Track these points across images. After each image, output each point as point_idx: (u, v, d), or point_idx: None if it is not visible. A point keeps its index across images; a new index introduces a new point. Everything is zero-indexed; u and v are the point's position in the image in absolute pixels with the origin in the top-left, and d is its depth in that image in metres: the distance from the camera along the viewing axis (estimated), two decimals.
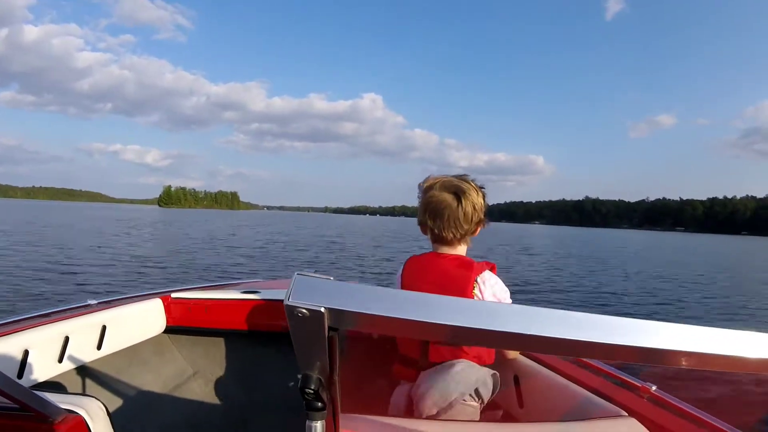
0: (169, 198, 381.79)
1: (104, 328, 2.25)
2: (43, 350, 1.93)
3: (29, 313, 2.14)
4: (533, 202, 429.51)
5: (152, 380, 2.49)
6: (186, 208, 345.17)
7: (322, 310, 0.51)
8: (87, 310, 2.30)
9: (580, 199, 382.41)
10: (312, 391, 0.65)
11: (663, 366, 0.51)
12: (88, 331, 2.19)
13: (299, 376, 0.64)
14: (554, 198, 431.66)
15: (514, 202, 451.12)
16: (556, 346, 0.50)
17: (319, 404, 0.67)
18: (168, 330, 2.70)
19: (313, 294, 0.52)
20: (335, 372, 0.65)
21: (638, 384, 1.60)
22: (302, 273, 0.54)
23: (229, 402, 2.62)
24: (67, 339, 2.04)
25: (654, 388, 1.56)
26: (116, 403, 2.23)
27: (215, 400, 2.59)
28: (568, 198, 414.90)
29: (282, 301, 2.61)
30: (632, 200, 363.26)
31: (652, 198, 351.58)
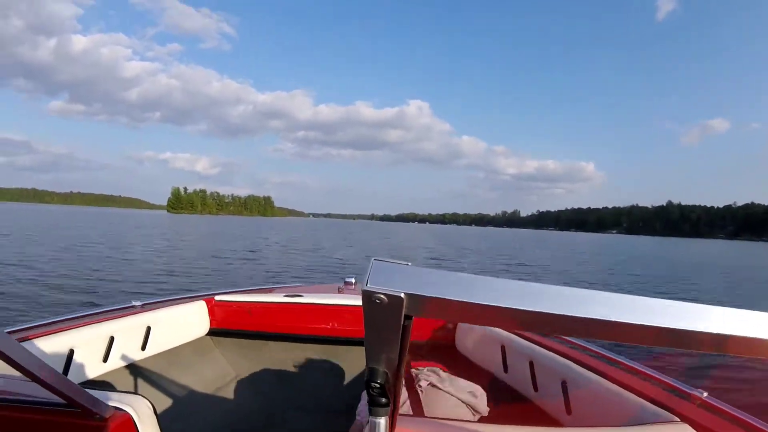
0: (179, 202, 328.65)
1: (149, 329, 2.47)
2: (89, 349, 2.11)
3: (75, 313, 2.32)
4: (609, 207, 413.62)
5: (195, 381, 2.69)
6: (203, 213, 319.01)
7: (402, 295, 0.52)
8: (132, 311, 2.50)
9: (662, 204, 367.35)
10: (379, 386, 0.68)
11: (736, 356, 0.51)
12: (133, 331, 2.40)
13: (365, 372, 0.68)
14: (608, 204, 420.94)
15: (582, 209, 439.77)
16: (649, 334, 0.50)
17: (384, 399, 0.70)
18: (211, 332, 2.94)
19: (393, 279, 0.53)
20: (402, 365, 0.67)
21: (689, 391, 1.65)
22: (380, 258, 0.56)
23: (270, 404, 2.82)
24: (112, 339, 2.24)
25: (705, 394, 1.61)
26: (161, 402, 2.40)
27: (256, 403, 2.78)
28: (620, 205, 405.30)
29: (325, 304, 2.89)
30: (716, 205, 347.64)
31: (740, 202, 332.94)
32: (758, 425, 1.46)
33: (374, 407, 0.71)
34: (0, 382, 1.38)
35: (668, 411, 1.52)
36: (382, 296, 0.53)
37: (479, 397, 1.95)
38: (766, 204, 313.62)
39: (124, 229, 44.56)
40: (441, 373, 2.05)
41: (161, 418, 1.35)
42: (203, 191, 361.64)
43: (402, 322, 0.57)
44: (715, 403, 1.58)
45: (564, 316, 0.50)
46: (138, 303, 2.63)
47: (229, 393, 2.82)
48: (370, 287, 0.52)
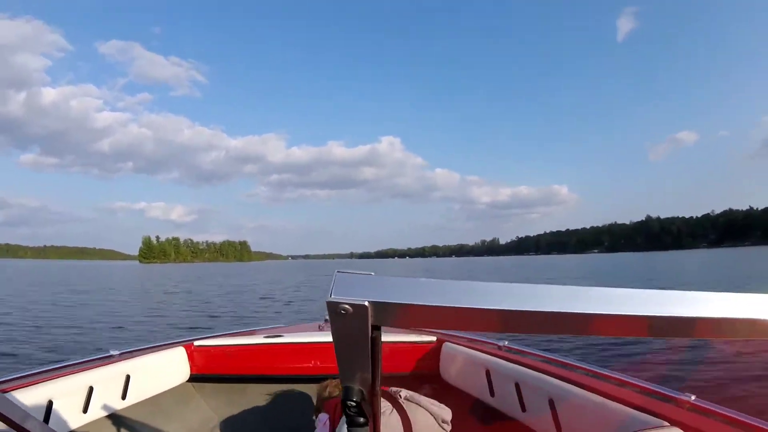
0: (150, 251, 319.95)
1: (128, 377, 2.46)
2: (68, 400, 2.11)
3: (53, 365, 2.33)
4: (587, 228, 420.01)
5: (178, 429, 2.67)
6: (177, 261, 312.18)
7: (366, 304, 0.52)
8: (110, 360, 2.50)
9: (641, 219, 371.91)
10: (354, 404, 0.68)
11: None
12: (113, 380, 2.39)
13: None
14: (586, 225, 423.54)
15: (561, 231, 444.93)
16: (616, 324, 0.50)
17: (362, 419, 0.70)
18: (192, 378, 2.91)
19: (356, 288, 0.53)
20: (377, 381, 0.67)
21: (676, 396, 1.68)
22: (343, 270, 0.56)
23: None
24: (91, 389, 2.23)
25: (693, 397, 1.64)
26: None
27: None
28: (598, 224, 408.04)
29: (306, 343, 2.90)
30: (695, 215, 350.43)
31: (718, 210, 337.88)
32: (749, 421, 1.47)
33: (353, 427, 0.71)
34: None
35: (658, 417, 1.54)
36: (347, 306, 0.53)
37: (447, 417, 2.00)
38: (743, 209, 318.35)
39: (95, 281, 44.35)
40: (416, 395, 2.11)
41: None
42: (176, 239, 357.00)
43: (370, 333, 0.57)
44: (704, 405, 1.61)
45: (533, 312, 0.50)
46: (116, 352, 2.60)
47: None
48: (333, 298, 0.52)
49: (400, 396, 2.07)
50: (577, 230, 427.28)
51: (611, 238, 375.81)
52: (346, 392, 0.68)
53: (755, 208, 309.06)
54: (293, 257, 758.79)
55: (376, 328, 0.57)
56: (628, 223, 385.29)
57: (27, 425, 0.99)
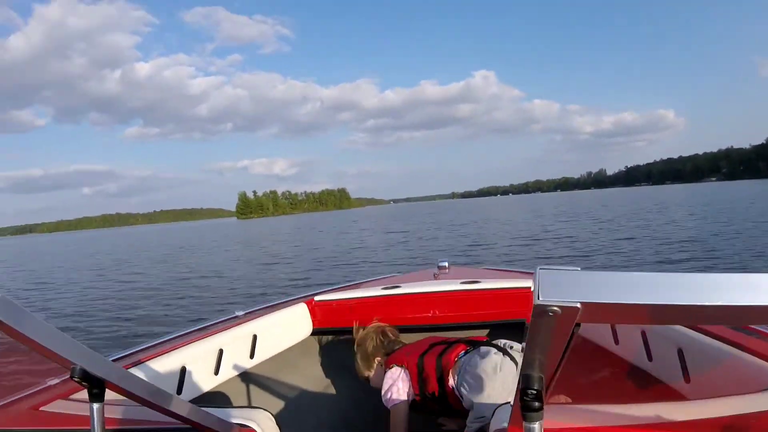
0: (247, 207, 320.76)
1: (255, 337, 2.59)
2: (200, 365, 2.24)
3: (184, 330, 2.48)
4: (700, 154, 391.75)
5: (304, 382, 2.83)
6: (277, 215, 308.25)
7: (578, 305, 0.51)
8: (236, 321, 2.63)
9: (761, 142, 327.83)
10: (535, 392, 0.68)
11: None
12: (241, 341, 2.52)
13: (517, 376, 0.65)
14: (698, 151, 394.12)
15: (673, 158, 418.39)
16: None
17: (537, 404, 0.69)
18: (314, 332, 3.04)
19: (567, 289, 0.52)
20: (560, 370, 0.67)
21: None
22: (545, 267, 0.54)
23: (378, 397, 2.73)
24: (221, 352, 2.36)
25: None
26: (275, 407, 2.55)
27: (365, 395, 2.74)
28: (713, 150, 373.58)
29: (423, 293, 2.94)
30: None
31: None
32: None
33: (528, 413, 0.70)
34: (130, 410, 1.35)
35: None
36: (556, 308, 0.52)
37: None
38: None
39: (189, 241, 46.71)
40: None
41: (280, 424, 1.38)
42: (274, 192, 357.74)
43: (573, 331, 0.57)
44: None
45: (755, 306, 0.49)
46: (240, 312, 2.77)
47: (338, 389, 2.92)
48: (542, 301, 0.51)
49: (510, 348, 2.16)
50: (691, 157, 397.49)
51: (729, 165, 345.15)
52: (527, 380, 0.68)
53: None
54: (395, 201, 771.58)
55: (578, 325, 0.56)
56: (746, 147, 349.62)
57: (162, 402, 1.04)
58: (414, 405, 2.22)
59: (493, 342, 2.23)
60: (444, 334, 2.74)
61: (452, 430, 2.40)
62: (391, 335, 2.51)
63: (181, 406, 1.09)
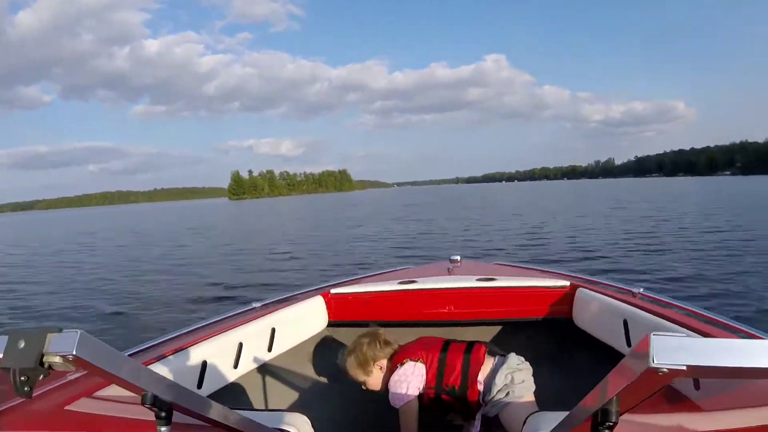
0: (239, 187, 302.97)
1: (273, 330, 2.69)
2: (221, 359, 2.33)
3: (205, 321, 2.57)
4: (712, 146, 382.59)
5: (322, 373, 2.95)
6: (273, 196, 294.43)
7: (684, 368, 0.62)
8: (254, 314, 2.72)
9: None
10: (612, 424, 0.78)
11: None
12: (259, 335, 2.63)
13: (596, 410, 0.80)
14: (709, 143, 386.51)
15: (685, 150, 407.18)
16: None
17: None
18: (330, 324, 3.14)
19: (678, 355, 0.63)
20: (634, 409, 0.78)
21: None
22: (658, 333, 0.65)
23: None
24: (241, 345, 2.45)
25: None
26: (296, 402, 2.70)
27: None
28: (724, 143, 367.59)
29: (439, 289, 3.08)
30: None
31: None
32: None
33: None
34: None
35: None
36: (665, 370, 0.62)
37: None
38: None
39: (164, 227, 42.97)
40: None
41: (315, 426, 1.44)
42: (270, 171, 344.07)
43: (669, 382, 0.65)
44: None
45: None
46: (258, 304, 2.88)
47: (355, 383, 2.75)
48: (656, 364, 0.62)
49: (522, 361, 2.27)
50: (704, 149, 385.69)
51: (745, 158, 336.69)
52: (605, 415, 0.79)
53: None
54: (399, 184, 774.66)
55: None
56: (761, 141, 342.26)
57: (213, 415, 1.11)
58: (421, 400, 2.29)
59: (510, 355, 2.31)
60: (460, 330, 3.03)
61: (460, 425, 2.44)
62: (389, 340, 2.47)
63: (228, 415, 1.14)
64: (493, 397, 2.14)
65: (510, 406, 2.09)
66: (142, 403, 0.95)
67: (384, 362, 2.40)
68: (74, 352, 0.75)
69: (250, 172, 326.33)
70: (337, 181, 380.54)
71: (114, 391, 1.28)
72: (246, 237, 27.07)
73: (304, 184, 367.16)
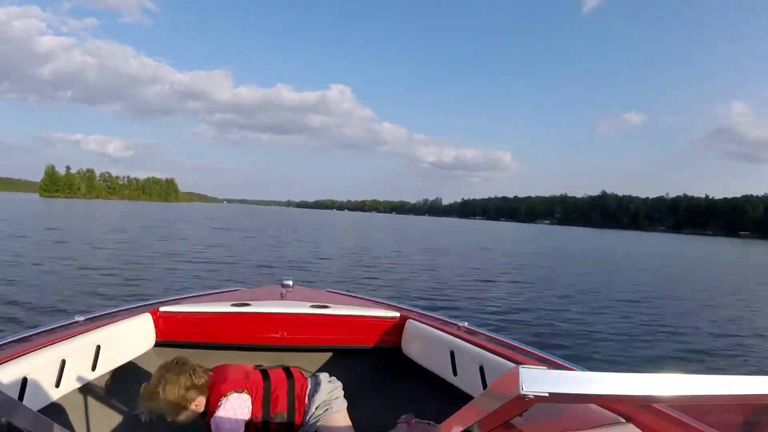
0: (54, 184, 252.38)
1: (98, 348, 2.53)
2: (42, 376, 2.13)
3: (23, 333, 2.41)
4: (533, 197, 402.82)
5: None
6: (89, 198, 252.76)
7: (546, 394, 0.75)
8: (77, 329, 2.55)
9: (596, 194, 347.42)
10: None
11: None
12: (83, 352, 2.45)
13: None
14: (531, 194, 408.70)
15: (509, 197, 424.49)
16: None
17: None
18: (157, 344, 3.01)
19: (542, 384, 0.76)
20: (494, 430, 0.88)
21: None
22: (526, 366, 0.78)
23: None
24: (63, 362, 2.27)
25: None
26: (115, 422, 2.53)
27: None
28: (543, 194, 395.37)
29: (272, 313, 3.11)
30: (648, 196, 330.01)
31: (671, 194, 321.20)
32: (694, 425, 1.60)
33: None
34: None
35: (614, 413, 1.66)
36: (532, 396, 0.73)
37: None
38: (701, 196, 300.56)
39: None
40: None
41: None
42: (90, 171, 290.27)
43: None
44: (657, 406, 1.69)
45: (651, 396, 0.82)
46: (81, 318, 2.72)
47: None
48: (525, 392, 0.73)
49: (330, 377, 2.41)
50: (527, 198, 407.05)
51: (563, 210, 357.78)
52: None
53: (711, 197, 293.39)
54: (229, 201, 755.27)
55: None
56: (580, 196, 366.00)
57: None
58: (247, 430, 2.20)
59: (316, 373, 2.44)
60: (291, 355, 3.05)
61: None
62: (202, 368, 2.21)
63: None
64: (312, 415, 2.22)
65: (329, 419, 2.22)
66: None
67: (202, 400, 2.15)
68: None
69: (68, 168, 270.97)
70: (163, 191, 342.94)
71: None
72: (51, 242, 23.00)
73: (126, 189, 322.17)
